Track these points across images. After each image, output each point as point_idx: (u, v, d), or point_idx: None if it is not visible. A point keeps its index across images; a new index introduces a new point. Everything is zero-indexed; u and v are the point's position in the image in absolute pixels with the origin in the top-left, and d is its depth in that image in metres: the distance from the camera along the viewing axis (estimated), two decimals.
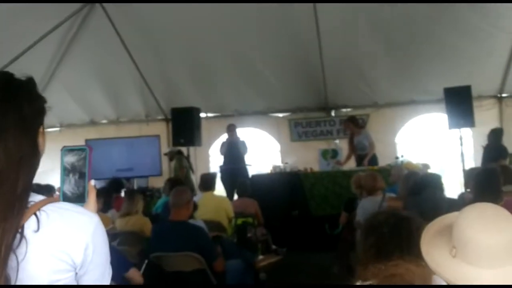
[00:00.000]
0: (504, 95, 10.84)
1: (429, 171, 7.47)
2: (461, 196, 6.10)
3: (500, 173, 4.62)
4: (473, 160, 10.25)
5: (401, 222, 2.41)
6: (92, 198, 1.50)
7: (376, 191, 6.39)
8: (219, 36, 10.10)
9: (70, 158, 1.49)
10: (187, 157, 10.24)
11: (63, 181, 1.49)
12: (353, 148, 9.94)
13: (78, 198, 1.47)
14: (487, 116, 10.28)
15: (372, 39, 10.05)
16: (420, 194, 3.73)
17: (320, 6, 9.35)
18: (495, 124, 10.25)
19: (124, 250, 5.27)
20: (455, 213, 1.87)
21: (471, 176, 5.68)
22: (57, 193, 1.55)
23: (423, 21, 9.54)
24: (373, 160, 9.69)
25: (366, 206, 6.24)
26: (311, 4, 9.31)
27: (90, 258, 1.40)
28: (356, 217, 6.40)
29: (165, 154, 10.79)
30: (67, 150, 1.49)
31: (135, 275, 4.27)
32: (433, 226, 1.99)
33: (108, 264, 1.50)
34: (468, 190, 5.82)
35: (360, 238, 2.53)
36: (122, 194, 8.87)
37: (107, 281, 1.49)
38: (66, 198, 1.47)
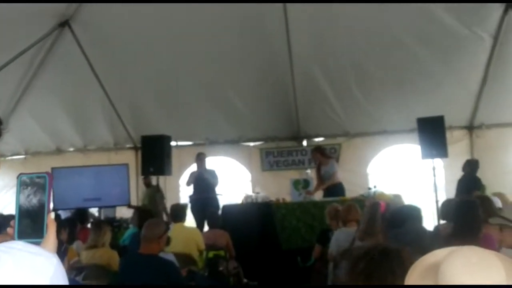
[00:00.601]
0: (474, 125, 10.92)
1: (402, 202, 7.37)
2: (436, 228, 6.02)
3: (479, 205, 4.54)
4: (444, 191, 10.22)
5: (390, 250, 2.33)
6: (51, 233, 1.30)
7: (350, 222, 6.29)
8: (191, 64, 10.04)
9: (28, 187, 1.30)
10: (158, 187, 9.98)
11: (18, 213, 1.29)
12: (320, 178, 9.84)
13: (35, 233, 1.28)
14: (458, 147, 10.34)
15: (344, 69, 10.08)
16: (401, 227, 3.61)
17: (293, 35, 9.37)
18: (466, 155, 10.32)
19: (89, 285, 4.99)
20: (438, 252, 1.77)
21: (447, 208, 5.61)
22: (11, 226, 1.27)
23: (396, 51, 9.61)
24: (340, 190, 9.53)
25: (340, 238, 6.14)
26: (284, 33, 9.32)
27: None
28: (330, 249, 6.27)
29: (144, 178, 10.47)
30: (24, 177, 1.30)
31: None
32: (417, 268, 1.88)
33: None
34: (443, 222, 5.74)
35: (345, 269, 2.42)
36: (89, 225, 8.60)
37: None
38: (21, 234, 1.28)
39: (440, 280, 1.64)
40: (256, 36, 9.51)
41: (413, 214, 4.45)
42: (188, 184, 10.22)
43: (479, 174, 9.39)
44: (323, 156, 9.85)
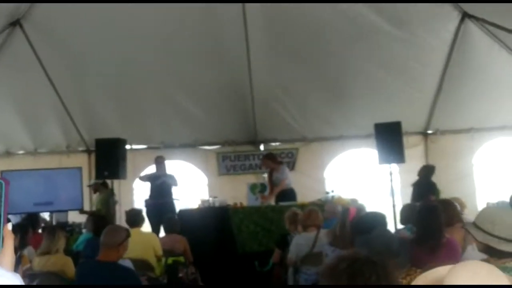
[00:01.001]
0: (429, 131, 11.11)
1: (365, 208, 7.39)
2: (397, 232, 6.05)
3: (441, 210, 4.58)
4: (400, 196, 10.36)
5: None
6: (9, 246, 1.18)
7: (310, 227, 6.27)
8: (145, 66, 9.88)
9: None
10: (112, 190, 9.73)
11: None
12: (271, 184, 9.81)
13: None
14: (413, 152, 10.47)
15: (302, 73, 10.07)
16: (370, 233, 3.58)
17: (252, 37, 9.28)
18: (421, 160, 10.51)
19: None
20: (441, 269, 1.77)
21: (407, 213, 5.65)
22: None
23: (353, 57, 9.68)
24: (291, 196, 9.51)
25: (300, 242, 6.13)
26: (243, 35, 9.23)
27: None
28: (289, 254, 6.23)
29: (89, 186, 10.23)
30: None
31: None
32: (419, 281, 1.87)
33: None
34: (403, 226, 5.77)
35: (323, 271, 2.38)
36: (39, 230, 8.30)
37: None
38: None
39: None
40: (214, 40, 9.39)
41: (380, 220, 4.45)
42: (142, 179, 10.03)
43: (433, 178, 9.54)
44: (274, 162, 9.84)
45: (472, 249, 4.07)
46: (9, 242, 1.18)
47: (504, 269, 2.54)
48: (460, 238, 4.50)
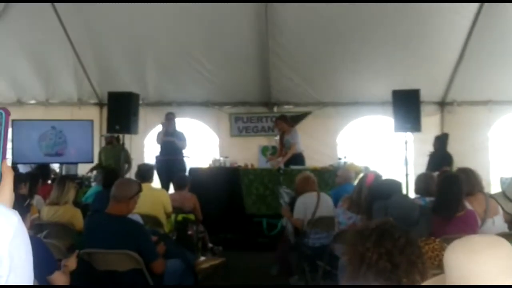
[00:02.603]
0: (446, 101, 10.92)
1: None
2: None
3: (463, 179, 4.48)
4: (413, 165, 10.23)
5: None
6: (7, 182, 1.09)
7: (310, 191, 6.24)
8: (160, 24, 9.78)
9: None
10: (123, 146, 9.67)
11: None
12: (282, 146, 9.71)
13: None
14: (429, 122, 10.28)
15: (320, 40, 9.88)
16: (388, 199, 3.49)
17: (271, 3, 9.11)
18: (436, 131, 10.36)
19: (51, 244, 4.71)
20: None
21: (423, 182, 5.52)
22: None
23: (373, 24, 9.45)
24: (299, 160, 9.39)
25: (305, 201, 6.17)
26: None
27: (5, 279, 0.99)
28: (295, 214, 6.17)
29: (103, 136, 10.15)
30: None
31: (59, 279, 3.66)
32: None
33: (30, 277, 1.08)
34: (418, 196, 5.65)
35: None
36: (49, 181, 8.28)
37: None
38: None
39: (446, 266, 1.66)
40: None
41: (397, 188, 4.38)
42: (158, 141, 9.97)
43: (448, 149, 9.41)
44: (287, 124, 9.67)
45: (492, 223, 3.98)
46: (8, 179, 1.10)
47: None
48: (480, 207, 4.42)
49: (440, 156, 9.09)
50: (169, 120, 9.93)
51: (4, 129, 1.08)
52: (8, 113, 1.09)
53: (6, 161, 1.09)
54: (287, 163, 9.24)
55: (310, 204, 6.09)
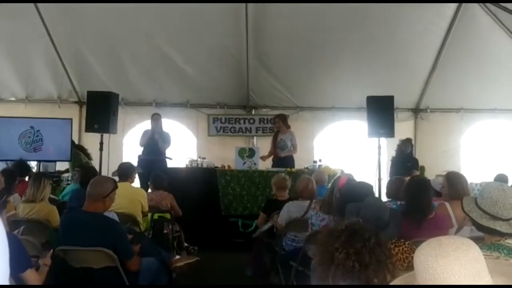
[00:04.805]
0: (420, 108, 11.18)
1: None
2: None
3: (450, 183, 4.66)
4: (386, 170, 10.43)
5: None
6: None
7: (305, 198, 6.20)
8: (141, 23, 9.81)
9: None
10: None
11: None
12: (275, 145, 9.89)
13: None
14: (402, 128, 10.52)
15: (299, 43, 10.07)
16: (360, 201, 3.64)
17: (251, 6, 9.22)
18: (410, 136, 10.55)
19: (26, 241, 4.76)
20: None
21: (395, 186, 5.69)
22: None
23: (350, 34, 9.69)
24: (291, 162, 9.71)
25: (292, 209, 6.05)
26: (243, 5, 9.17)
27: None
28: (279, 219, 6.15)
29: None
30: None
31: (32, 277, 3.59)
32: None
33: (6, 273, 1.17)
34: (389, 199, 5.80)
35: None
36: (26, 178, 8.28)
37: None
38: None
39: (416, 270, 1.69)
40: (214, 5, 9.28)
41: (368, 191, 4.50)
42: (141, 143, 10.03)
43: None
44: (285, 125, 10.02)
45: (469, 231, 4.09)
46: None
47: (498, 247, 2.58)
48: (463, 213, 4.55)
49: (405, 160, 9.29)
50: (155, 121, 10.04)
51: None
52: None
53: None
54: (279, 164, 9.42)
55: (294, 214, 6.02)
